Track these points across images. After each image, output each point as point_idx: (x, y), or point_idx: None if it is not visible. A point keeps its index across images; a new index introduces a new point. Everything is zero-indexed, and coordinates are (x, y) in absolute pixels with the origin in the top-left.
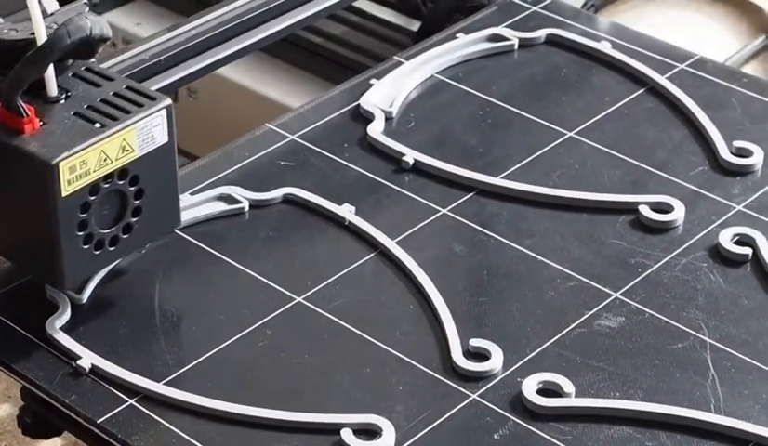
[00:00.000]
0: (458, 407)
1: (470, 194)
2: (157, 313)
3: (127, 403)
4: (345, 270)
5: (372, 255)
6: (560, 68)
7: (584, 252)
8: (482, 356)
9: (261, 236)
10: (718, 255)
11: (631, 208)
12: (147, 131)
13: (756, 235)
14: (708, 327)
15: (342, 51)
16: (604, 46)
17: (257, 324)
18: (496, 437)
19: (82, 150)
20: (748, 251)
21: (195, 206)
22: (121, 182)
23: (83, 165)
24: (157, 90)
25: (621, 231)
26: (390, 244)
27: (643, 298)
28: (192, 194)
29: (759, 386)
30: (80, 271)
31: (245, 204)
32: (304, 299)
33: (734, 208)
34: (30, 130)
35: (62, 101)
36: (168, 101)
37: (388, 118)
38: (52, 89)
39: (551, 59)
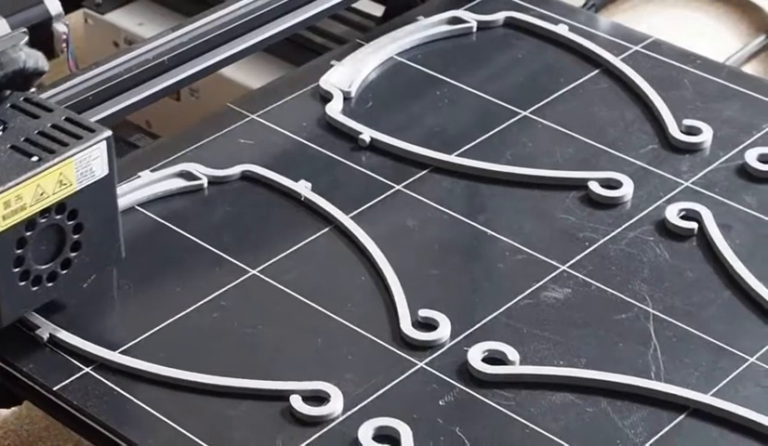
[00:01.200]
0: (406, 375)
1: (425, 171)
2: (114, 285)
3: (84, 371)
4: (299, 244)
5: (327, 229)
6: (517, 50)
7: (534, 227)
8: (430, 326)
9: (219, 212)
10: (664, 229)
11: (581, 184)
12: (85, 164)
13: (702, 210)
14: (653, 299)
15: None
16: (561, 29)
17: (211, 296)
18: (441, 403)
19: (17, 184)
20: (693, 225)
21: (155, 183)
22: (58, 217)
23: (18, 200)
24: (161, 90)
25: (571, 207)
26: (345, 219)
27: (590, 271)
28: (151, 171)
29: (699, 355)
30: (17, 308)
31: (204, 181)
32: (259, 272)
33: (682, 184)
34: None
35: None
36: (108, 133)
37: (346, 98)
38: None
39: (509, 41)
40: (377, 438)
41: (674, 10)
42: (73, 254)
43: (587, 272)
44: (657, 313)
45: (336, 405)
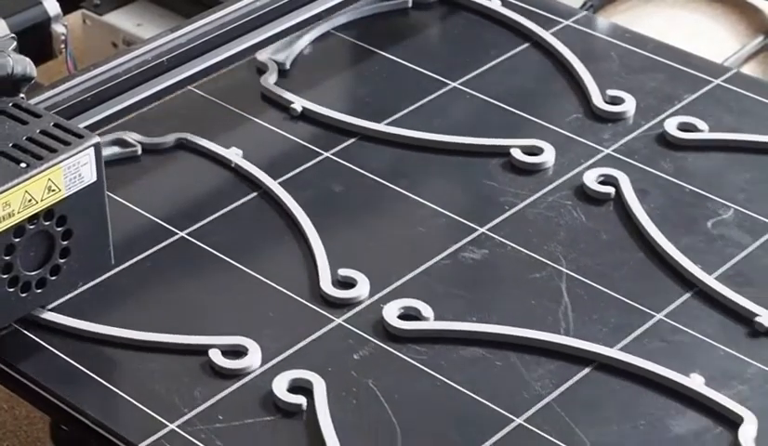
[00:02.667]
0: (323, 330)
1: (353, 139)
2: None
3: (11, 328)
4: (228, 208)
5: (255, 194)
6: (451, 25)
7: (456, 192)
8: (349, 284)
9: (152, 178)
10: (582, 194)
11: (504, 151)
12: (74, 170)
13: (620, 176)
14: (567, 259)
15: None
16: (494, 4)
17: (139, 257)
18: (356, 357)
19: (5, 191)
20: (610, 190)
21: None
22: (47, 223)
23: (6, 207)
24: (161, 91)
25: (493, 173)
26: (273, 184)
27: (508, 233)
28: None
29: (608, 312)
30: (6, 315)
31: (138, 148)
32: (186, 234)
33: (603, 152)
34: None
35: None
36: (96, 139)
37: (282, 70)
38: None
39: (443, 17)
40: (291, 389)
41: (672, 11)
42: (62, 260)
43: (504, 234)
44: (570, 273)
45: (253, 359)
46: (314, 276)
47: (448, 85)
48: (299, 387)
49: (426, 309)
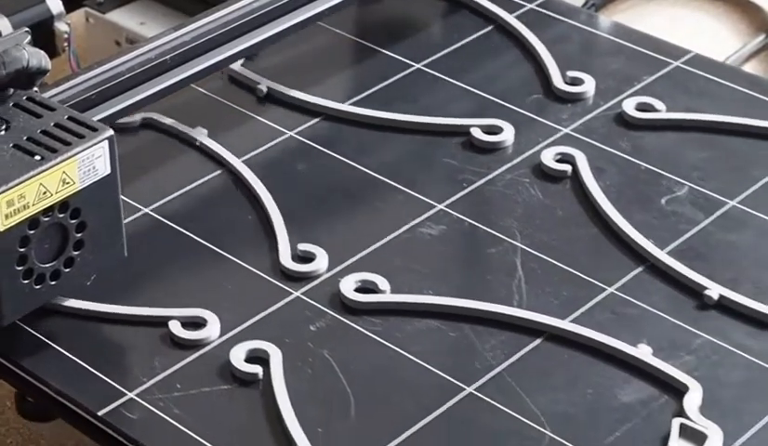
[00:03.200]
0: (281, 303)
1: (318, 119)
2: None
3: None
4: (192, 185)
5: (219, 172)
6: (415, 9)
7: (417, 170)
8: (307, 259)
9: (118, 156)
10: (540, 172)
11: (465, 131)
12: (88, 163)
13: (576, 154)
14: (522, 234)
15: None
16: None
17: None
18: (312, 328)
19: (20, 183)
20: (567, 168)
21: None
22: (62, 215)
23: (21, 199)
24: (163, 90)
25: (453, 151)
26: (236, 163)
27: (465, 209)
28: None
29: (561, 286)
30: (20, 307)
31: None
32: (151, 210)
33: (561, 131)
34: None
35: (2, 132)
36: (110, 132)
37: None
38: None
39: (411, 2)
40: (248, 359)
41: (674, 10)
42: (76, 252)
43: (462, 211)
44: (525, 248)
45: (212, 330)
46: (274, 251)
47: (412, 66)
48: (256, 358)
49: (382, 283)
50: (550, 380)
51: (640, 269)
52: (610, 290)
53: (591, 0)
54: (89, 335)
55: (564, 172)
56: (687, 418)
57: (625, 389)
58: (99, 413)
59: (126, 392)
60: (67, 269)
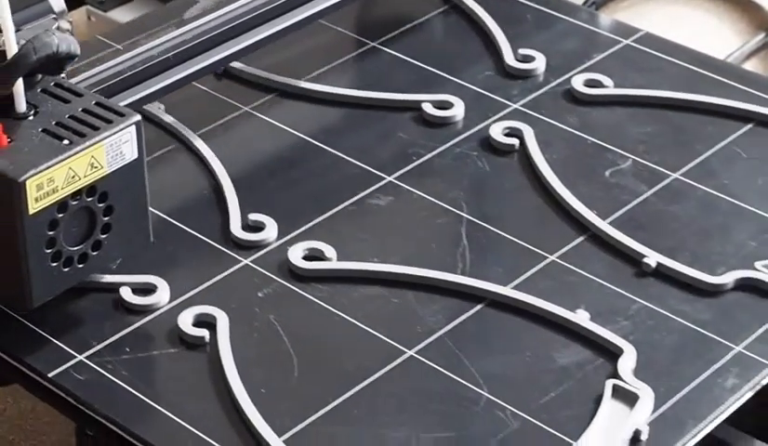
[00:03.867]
0: (230, 270)
1: (272, 95)
2: None
3: None
4: (148, 158)
5: (174, 146)
6: None
7: (369, 144)
8: (257, 228)
9: None
10: (489, 145)
11: (416, 106)
12: (116, 148)
13: (525, 128)
14: (468, 205)
15: None
16: None
17: None
18: (259, 294)
19: (49, 167)
20: (515, 142)
21: None
22: (89, 199)
23: (50, 183)
24: (165, 87)
25: (405, 126)
26: (192, 136)
27: (414, 182)
28: None
29: (504, 254)
30: (48, 289)
31: None
32: None
33: (511, 106)
34: None
35: (31, 118)
36: (138, 117)
37: None
38: (21, 105)
39: None
40: (196, 324)
41: (674, 8)
42: (104, 235)
43: (411, 183)
44: (471, 218)
45: (162, 296)
46: (226, 220)
47: (368, 44)
48: (204, 322)
49: (329, 251)
50: (490, 344)
51: (581, 239)
52: (551, 258)
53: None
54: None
55: (512, 145)
56: (621, 380)
57: (562, 353)
58: (50, 375)
59: (76, 355)
60: (94, 253)
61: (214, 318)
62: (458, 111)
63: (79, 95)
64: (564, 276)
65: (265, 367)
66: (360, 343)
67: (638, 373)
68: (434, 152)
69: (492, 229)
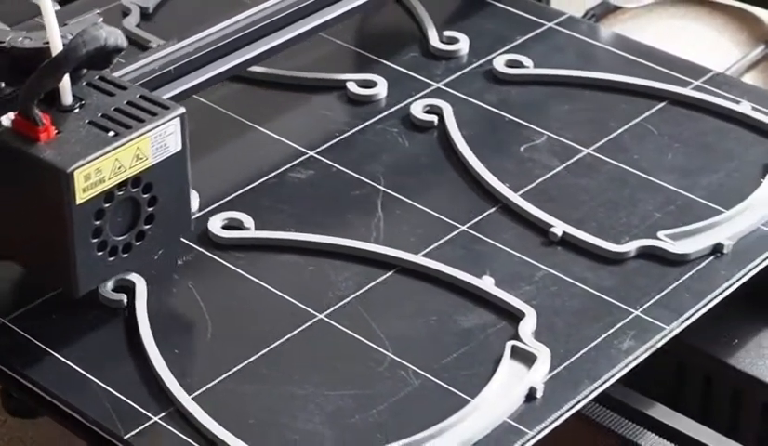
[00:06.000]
0: None
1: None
2: None
3: None
4: None
5: None
6: None
7: (296, 123)
8: None
9: None
10: (409, 122)
11: (341, 86)
12: (160, 139)
13: (444, 106)
14: (386, 179)
15: None
16: None
17: None
18: (179, 262)
19: (96, 158)
20: (434, 118)
21: None
22: (135, 190)
23: (97, 173)
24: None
25: (330, 104)
26: None
27: (335, 157)
28: None
29: (417, 224)
30: (94, 278)
31: None
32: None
33: (433, 85)
34: (45, 139)
35: (76, 110)
36: (182, 110)
37: (144, 13)
38: (67, 98)
39: None
40: (115, 289)
41: (673, 21)
42: (147, 226)
43: (331, 158)
44: (387, 191)
45: None
46: None
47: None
48: (122, 287)
49: (248, 221)
50: (398, 309)
51: (492, 210)
52: (462, 228)
53: (592, 11)
54: None
55: (431, 122)
56: (521, 341)
57: (466, 316)
58: None
59: (2, 319)
60: (138, 243)
61: (133, 283)
62: (382, 89)
63: (123, 88)
64: (474, 245)
65: (180, 331)
66: (273, 307)
67: (538, 335)
68: (356, 129)
69: (407, 200)
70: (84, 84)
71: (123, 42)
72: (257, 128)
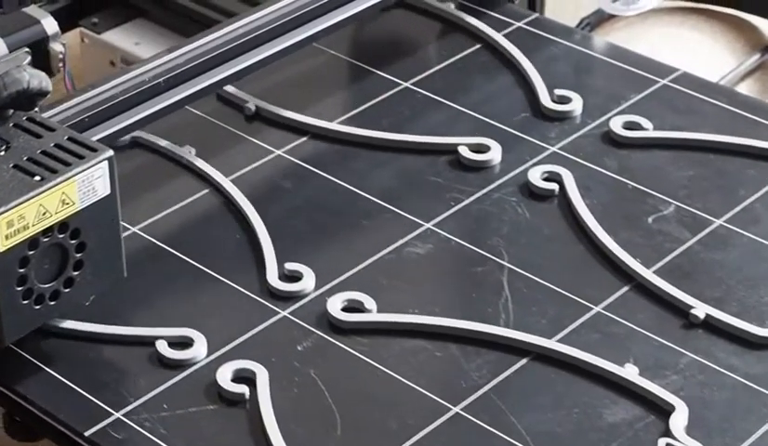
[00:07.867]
0: (268, 322)
1: (305, 138)
2: None
3: None
4: (179, 204)
5: (207, 191)
6: (406, 28)
7: (404, 188)
8: (294, 278)
9: None
10: (527, 190)
11: (452, 149)
12: (88, 183)
13: (564, 172)
14: (508, 253)
15: None
16: (448, 7)
17: None
18: (299, 348)
19: (19, 204)
20: (554, 187)
21: None
22: (61, 236)
23: (21, 220)
24: (159, 111)
25: (440, 170)
26: (224, 181)
27: (452, 228)
28: None
29: (547, 305)
30: (19, 327)
31: None
32: (139, 230)
33: (549, 149)
34: None
35: (2, 153)
36: (110, 153)
37: None
38: None
39: (400, 20)
40: (234, 379)
41: (669, 29)
42: (76, 272)
43: (449, 230)
44: (512, 266)
45: (199, 349)
46: (262, 270)
47: (400, 84)
48: (243, 377)
49: (369, 302)
50: (536, 400)
51: (626, 289)
52: (596, 309)
53: (587, 20)
54: (76, 356)
55: (551, 190)
56: (673, 438)
57: (611, 409)
58: (86, 434)
59: (113, 412)
60: (66, 290)
61: (253, 373)
62: (495, 154)
63: (51, 129)
64: (610, 328)
65: (307, 424)
66: (403, 399)
67: (690, 430)
68: (472, 198)
69: (533, 277)
70: (11, 125)
71: (47, 85)
72: (364, 195)
